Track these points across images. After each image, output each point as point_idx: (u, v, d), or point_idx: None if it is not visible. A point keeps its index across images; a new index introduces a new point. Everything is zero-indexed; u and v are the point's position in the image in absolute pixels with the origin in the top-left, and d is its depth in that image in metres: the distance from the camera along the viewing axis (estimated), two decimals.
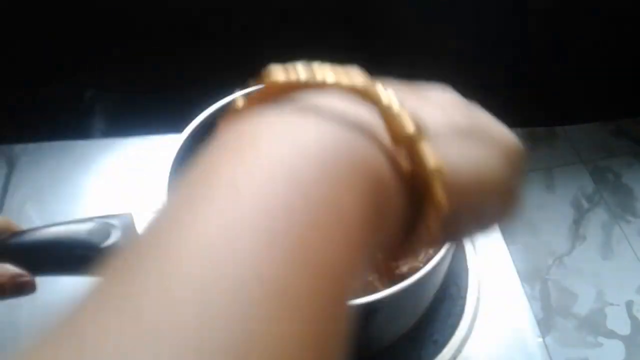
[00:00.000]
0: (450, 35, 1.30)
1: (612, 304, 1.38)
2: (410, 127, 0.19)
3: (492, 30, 1.34)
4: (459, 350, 0.55)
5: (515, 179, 0.25)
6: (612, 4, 1.41)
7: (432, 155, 0.20)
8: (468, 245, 0.63)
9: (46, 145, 0.72)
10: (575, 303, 1.38)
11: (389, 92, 0.20)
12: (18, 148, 0.71)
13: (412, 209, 0.20)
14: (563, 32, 1.43)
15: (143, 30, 1.09)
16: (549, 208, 1.56)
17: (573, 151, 1.69)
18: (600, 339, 1.32)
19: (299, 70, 0.20)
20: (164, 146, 0.50)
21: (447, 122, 0.23)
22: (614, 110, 1.70)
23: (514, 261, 0.62)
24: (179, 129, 0.52)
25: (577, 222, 1.53)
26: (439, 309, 0.57)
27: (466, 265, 0.61)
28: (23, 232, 0.38)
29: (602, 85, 1.59)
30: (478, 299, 0.58)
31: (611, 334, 1.33)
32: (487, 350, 0.55)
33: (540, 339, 0.56)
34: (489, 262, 0.62)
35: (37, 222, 0.64)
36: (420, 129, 0.19)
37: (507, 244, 0.63)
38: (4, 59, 1.03)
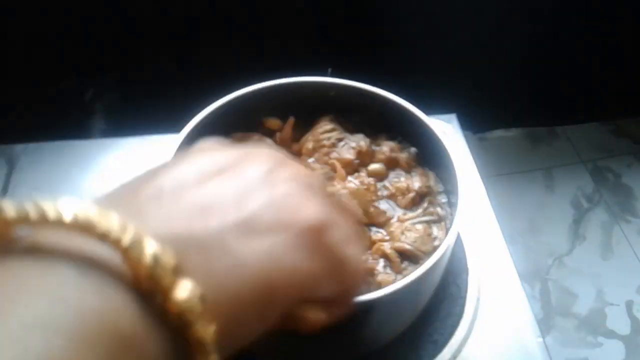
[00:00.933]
0: (450, 36, 1.30)
1: (612, 304, 1.38)
2: (146, 260, 0.18)
3: (492, 30, 1.34)
4: (459, 350, 0.55)
5: (324, 256, 0.24)
6: (612, 4, 1.41)
7: (183, 291, 0.19)
8: (468, 245, 0.62)
9: (46, 145, 0.72)
10: (575, 303, 1.38)
11: (116, 220, 0.18)
12: (18, 148, 0.71)
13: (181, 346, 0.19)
14: (563, 32, 1.43)
15: (143, 30, 1.09)
16: (549, 208, 1.56)
17: (573, 151, 1.69)
18: (600, 339, 1.32)
19: (25, 206, 0.18)
20: (163, 146, 0.50)
21: (218, 223, 0.22)
22: (614, 110, 1.70)
23: (514, 261, 0.62)
24: (179, 129, 0.52)
25: (577, 222, 1.53)
26: (439, 309, 0.57)
27: (466, 265, 0.61)
28: None
29: (602, 85, 1.59)
30: (478, 299, 0.58)
31: (611, 334, 1.33)
32: (487, 350, 0.55)
33: (540, 339, 0.56)
34: (489, 262, 0.62)
35: None
36: (160, 261, 0.19)
37: (507, 244, 0.63)
38: (4, 59, 1.03)
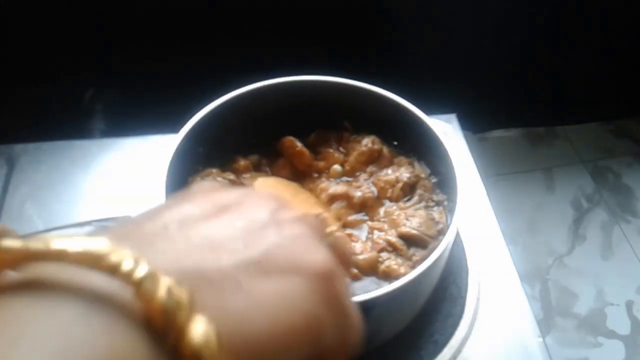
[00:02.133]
0: (450, 36, 1.30)
1: (612, 304, 1.38)
2: (160, 294, 0.17)
3: (492, 30, 1.34)
4: (459, 350, 0.55)
5: (332, 305, 0.23)
6: (612, 4, 1.41)
7: (199, 328, 0.18)
8: (468, 245, 0.63)
9: (46, 145, 0.72)
10: (575, 303, 1.38)
11: (128, 253, 0.18)
12: (18, 148, 0.71)
13: None
14: (563, 32, 1.43)
15: (142, 30, 1.09)
16: (549, 208, 1.56)
17: (573, 151, 1.69)
18: (600, 339, 1.32)
19: (30, 239, 0.18)
20: (163, 146, 0.50)
21: (230, 260, 0.21)
22: (614, 110, 1.70)
23: (514, 261, 0.62)
24: (179, 128, 0.52)
25: (577, 222, 1.53)
26: (439, 309, 0.57)
27: (466, 265, 0.61)
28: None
29: (602, 85, 1.59)
30: (478, 299, 0.58)
31: (611, 334, 1.33)
32: (487, 350, 0.55)
33: (540, 339, 0.56)
34: (489, 262, 0.62)
35: (37, 222, 0.64)
36: (175, 299, 0.18)
37: (507, 244, 0.63)
38: (4, 59, 1.03)
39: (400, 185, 0.55)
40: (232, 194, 0.25)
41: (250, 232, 0.23)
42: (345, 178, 0.57)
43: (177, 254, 0.20)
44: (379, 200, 0.55)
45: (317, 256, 0.23)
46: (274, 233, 0.23)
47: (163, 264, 0.19)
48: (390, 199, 0.55)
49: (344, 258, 0.26)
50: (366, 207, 0.54)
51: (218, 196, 0.25)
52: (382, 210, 0.54)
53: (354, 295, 0.25)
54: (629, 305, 1.38)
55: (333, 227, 0.27)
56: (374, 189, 0.55)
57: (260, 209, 0.24)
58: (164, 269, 0.18)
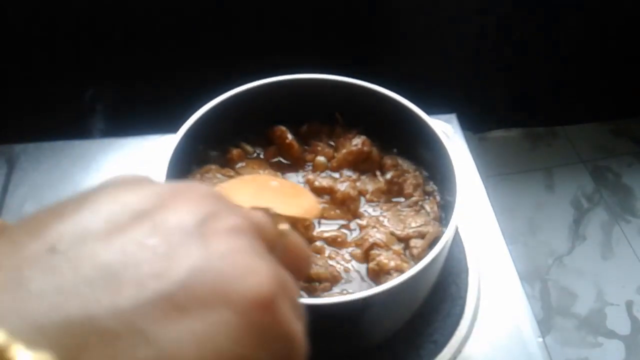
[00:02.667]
0: (449, 36, 1.30)
1: (612, 304, 1.38)
2: None
3: (493, 30, 1.34)
4: (459, 350, 0.55)
5: (271, 340, 0.18)
6: (612, 4, 1.41)
7: None
8: (468, 245, 0.62)
9: (46, 145, 0.72)
10: (575, 303, 1.38)
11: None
12: (18, 148, 0.71)
13: None
14: (563, 32, 1.43)
15: (142, 30, 1.09)
16: (549, 208, 1.56)
17: (573, 151, 1.69)
18: (600, 339, 1.32)
19: None
20: (162, 146, 0.50)
21: (132, 298, 0.15)
22: (614, 110, 1.70)
23: (514, 261, 0.62)
24: (178, 128, 0.52)
25: (577, 222, 1.53)
26: (439, 309, 0.57)
27: (466, 265, 0.61)
28: None
29: (602, 85, 1.59)
30: (478, 299, 0.58)
31: (611, 334, 1.33)
32: (487, 350, 0.55)
33: (540, 339, 0.56)
34: (489, 262, 0.62)
35: None
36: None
37: (507, 243, 0.63)
38: (4, 60, 1.03)
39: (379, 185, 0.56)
40: (151, 192, 0.19)
41: (167, 251, 0.17)
42: (329, 172, 0.57)
43: (58, 295, 0.15)
44: (358, 199, 0.55)
45: (253, 279, 0.18)
46: (198, 250, 0.17)
47: (34, 314, 0.14)
48: (371, 201, 0.55)
49: (298, 263, 0.22)
50: (345, 204, 0.54)
51: (131, 198, 0.18)
52: (363, 210, 0.55)
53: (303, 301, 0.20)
54: (629, 305, 1.38)
55: (284, 225, 0.22)
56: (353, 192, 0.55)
57: (182, 216, 0.18)
58: (32, 326, 0.14)
